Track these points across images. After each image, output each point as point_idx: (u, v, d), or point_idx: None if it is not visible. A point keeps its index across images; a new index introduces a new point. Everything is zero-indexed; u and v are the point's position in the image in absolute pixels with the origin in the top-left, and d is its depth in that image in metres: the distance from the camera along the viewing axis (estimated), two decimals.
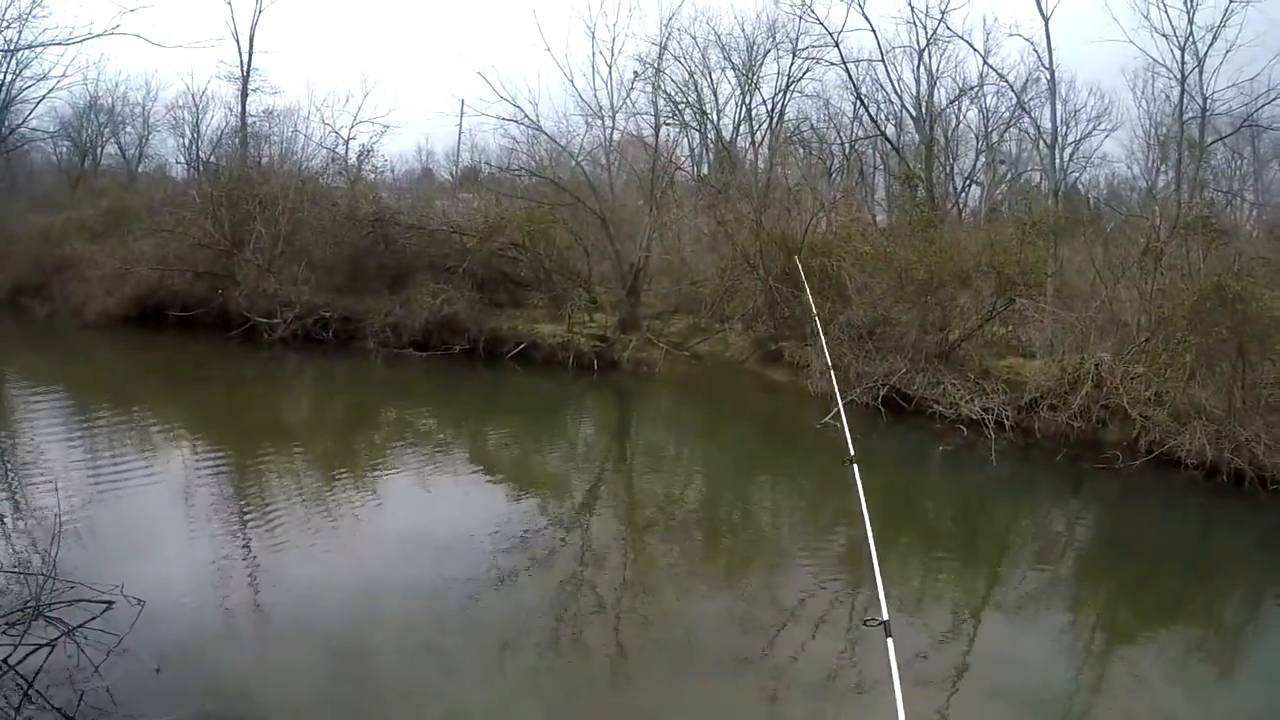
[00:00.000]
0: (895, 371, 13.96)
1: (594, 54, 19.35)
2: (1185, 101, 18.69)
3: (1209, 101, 18.59)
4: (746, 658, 6.60)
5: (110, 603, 5.41)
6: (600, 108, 19.46)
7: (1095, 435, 12.05)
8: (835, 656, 6.70)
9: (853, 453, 4.82)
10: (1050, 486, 11.44)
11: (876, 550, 4.04)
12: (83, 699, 4.95)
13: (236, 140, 23.45)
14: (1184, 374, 11.77)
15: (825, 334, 15.11)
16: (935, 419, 13.05)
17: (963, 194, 24.60)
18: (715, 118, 24.16)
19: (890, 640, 3.63)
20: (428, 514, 8.97)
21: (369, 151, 20.56)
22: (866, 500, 4.43)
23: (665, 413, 15.42)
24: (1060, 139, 20.71)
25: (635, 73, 19.92)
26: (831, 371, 7.19)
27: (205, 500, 8.26)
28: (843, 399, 13.13)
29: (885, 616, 3.68)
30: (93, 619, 5.18)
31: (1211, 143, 19.59)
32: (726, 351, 17.05)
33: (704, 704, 6.04)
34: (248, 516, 8.10)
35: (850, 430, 12.60)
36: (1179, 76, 18.66)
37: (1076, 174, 24.26)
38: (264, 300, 15.36)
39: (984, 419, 12.48)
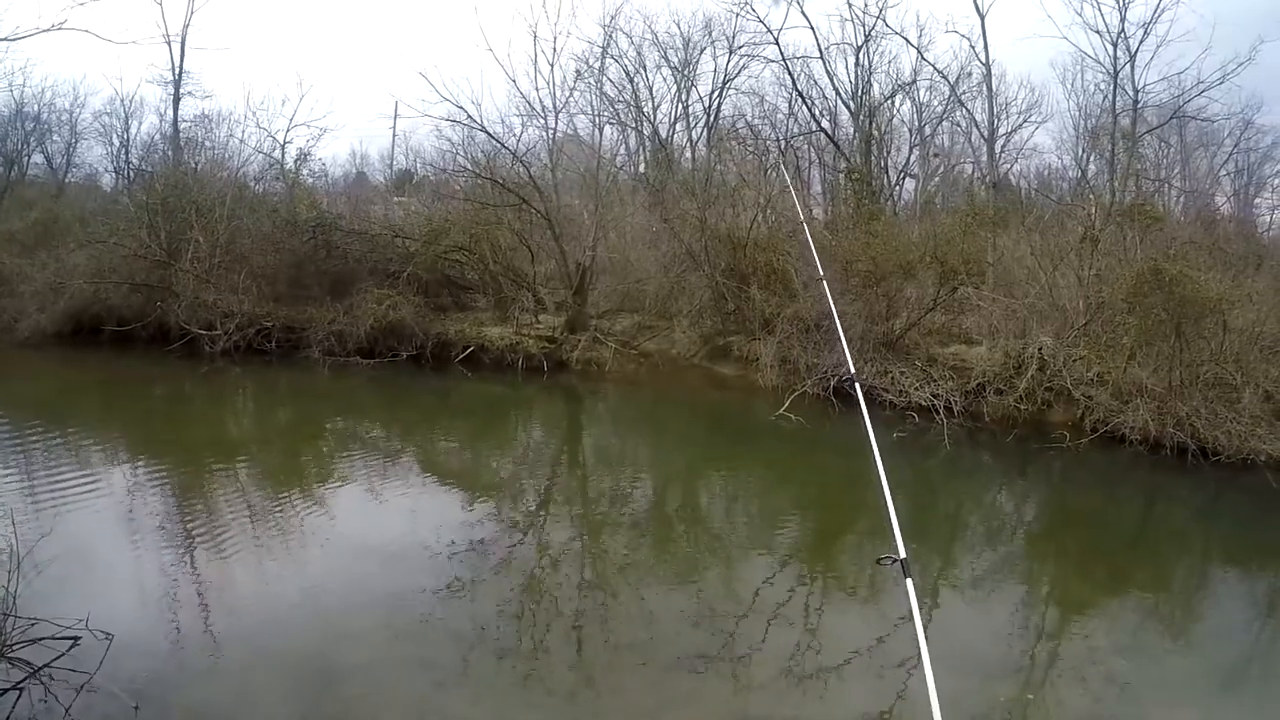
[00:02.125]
0: (844, 362, 14.17)
1: (536, 53, 19.34)
2: (1117, 94, 19.50)
3: (1140, 94, 19.41)
4: (709, 652, 6.65)
5: (76, 638, 5.20)
6: (543, 107, 19.42)
7: (1041, 416, 12.48)
8: (794, 645, 6.84)
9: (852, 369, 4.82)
10: (1000, 467, 11.81)
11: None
12: None
13: (168, 147, 22.74)
14: (1124, 355, 12.25)
15: (770, 330, 15.59)
16: (886, 407, 13.32)
17: (898, 187, 25.15)
18: (652, 116, 24.30)
19: (910, 580, 3.67)
20: (382, 526, 8.83)
21: (306, 155, 20.19)
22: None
23: (615, 411, 15.44)
24: (993, 132, 21.36)
25: (578, 72, 19.92)
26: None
27: (154, 523, 7.99)
28: (793, 391, 13.48)
29: (902, 554, 3.71)
30: (59, 656, 4.97)
31: (1143, 134, 20.42)
32: (674, 349, 17.13)
33: (673, 700, 6.09)
34: (200, 539, 7.85)
35: (803, 421, 12.86)
36: (1111, 71, 19.48)
37: (1009, 165, 25.06)
38: (203, 311, 14.88)
39: (933, 405, 12.81)
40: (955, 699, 6.37)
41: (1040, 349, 12.94)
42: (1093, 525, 9.89)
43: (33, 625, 5.13)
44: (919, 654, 3.28)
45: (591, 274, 18.13)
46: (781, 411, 13.25)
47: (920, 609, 7.65)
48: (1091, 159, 22.97)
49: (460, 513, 9.54)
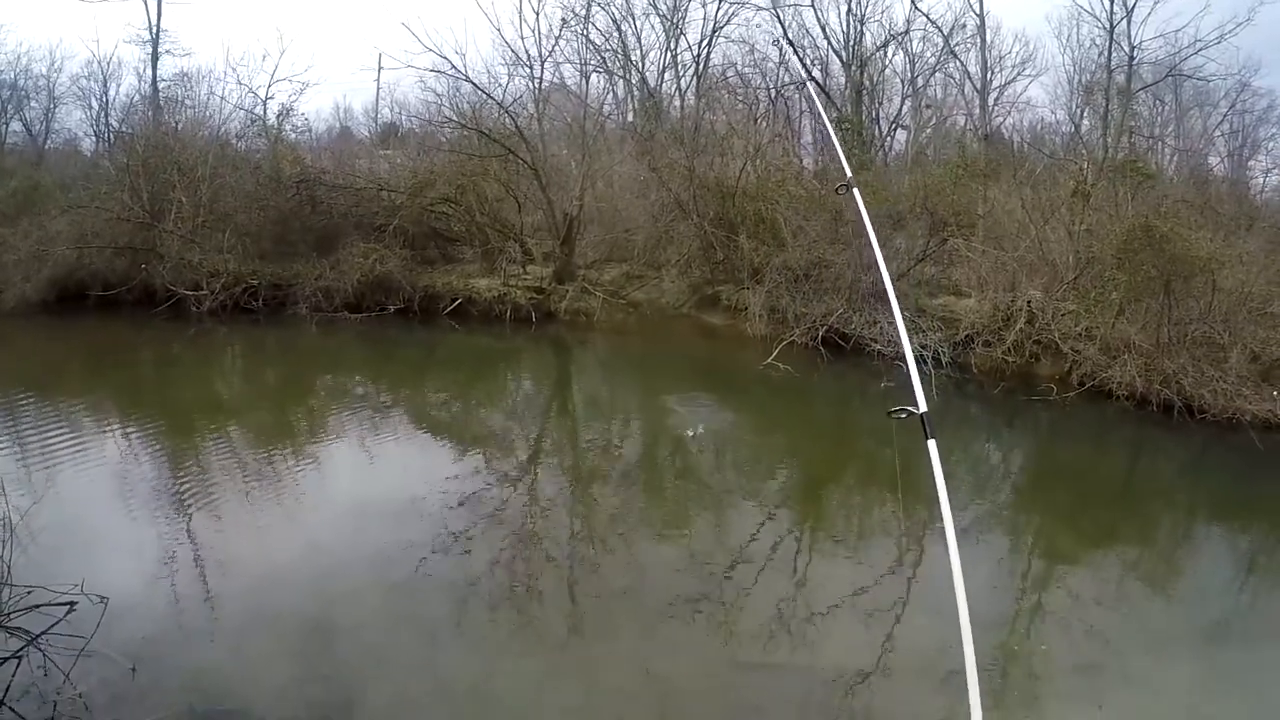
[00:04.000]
0: (833, 312, 14.24)
1: (520, 1, 18.84)
2: (1112, 50, 19.26)
3: (1136, 50, 19.19)
4: (699, 600, 6.78)
5: (73, 603, 5.23)
6: (529, 56, 19.07)
7: (1029, 369, 12.55)
8: (783, 592, 6.99)
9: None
10: (988, 418, 11.90)
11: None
12: (56, 710, 4.82)
13: (148, 107, 22.27)
14: (1113, 311, 12.28)
15: (759, 279, 15.57)
16: (874, 357, 13.36)
17: (889, 138, 24.90)
18: (641, 64, 23.89)
19: (932, 441, 3.39)
20: (374, 481, 8.88)
21: (288, 110, 19.76)
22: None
23: (604, 361, 15.44)
24: (986, 84, 21.13)
25: (564, 20, 19.52)
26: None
27: (147, 487, 8.00)
28: (781, 341, 13.50)
29: (923, 408, 3.41)
30: (56, 623, 4.99)
31: (1138, 90, 20.24)
32: (663, 298, 17.12)
33: (664, 648, 6.24)
34: (194, 501, 7.87)
35: (791, 370, 12.87)
36: (1107, 26, 19.23)
37: (1001, 118, 24.80)
38: (189, 272, 14.70)
39: (922, 355, 12.83)
40: (944, 646, 6.56)
41: (1029, 302, 12.96)
42: (1079, 479, 10.00)
43: (29, 593, 5.15)
44: (942, 524, 3.25)
45: (579, 224, 17.99)
46: (770, 360, 13.30)
47: (906, 559, 7.83)
48: (1085, 114, 22.78)
49: (451, 466, 9.59)
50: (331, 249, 16.13)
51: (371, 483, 8.82)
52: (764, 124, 19.92)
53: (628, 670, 6.05)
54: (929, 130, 25.22)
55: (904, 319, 13.15)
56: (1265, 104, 25.15)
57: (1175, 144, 24.04)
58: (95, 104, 26.78)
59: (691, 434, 8.09)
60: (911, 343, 13.11)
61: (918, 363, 12.56)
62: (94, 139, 26.45)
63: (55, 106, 27.36)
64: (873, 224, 13.72)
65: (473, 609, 6.57)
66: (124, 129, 21.72)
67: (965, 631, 2.81)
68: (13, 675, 4.72)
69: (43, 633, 4.87)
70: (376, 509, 8.04)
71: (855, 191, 4.39)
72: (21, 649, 4.73)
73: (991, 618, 6.88)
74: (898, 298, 14.05)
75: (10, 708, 4.70)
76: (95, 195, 15.50)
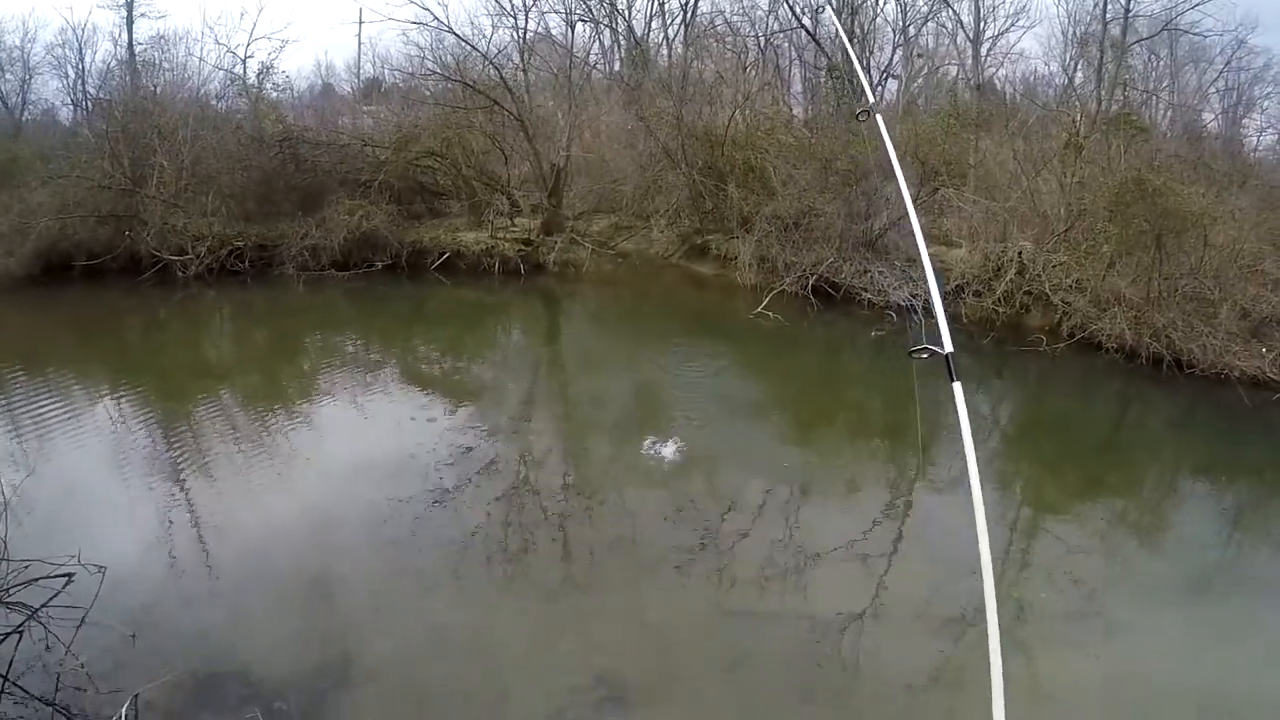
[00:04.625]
0: (823, 261, 14.19)
1: None
2: (1108, 2, 18.91)
3: (1131, 3, 18.86)
4: (691, 549, 6.92)
5: (70, 575, 5.25)
6: (513, 6, 18.66)
7: (1019, 320, 12.57)
8: (774, 540, 7.13)
9: None
10: (977, 369, 11.91)
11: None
12: (60, 682, 4.88)
13: (125, 72, 21.75)
14: (1104, 263, 12.26)
15: (749, 228, 15.48)
16: (864, 306, 13.38)
17: (880, 87, 24.51)
18: (627, 13, 23.39)
19: (957, 384, 3.21)
20: (366, 439, 8.90)
21: (269, 69, 19.37)
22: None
23: (594, 313, 15.40)
24: (979, 34, 20.78)
25: None
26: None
27: (142, 454, 8.00)
28: (771, 290, 13.47)
29: (949, 348, 3.20)
30: (55, 595, 5.02)
31: (1132, 44, 19.92)
32: (651, 248, 17.03)
33: (656, 597, 6.39)
34: (187, 466, 7.89)
35: (781, 319, 12.86)
36: None
37: (994, 69, 24.41)
38: (174, 237, 14.49)
39: (912, 305, 12.81)
40: (937, 586, 6.69)
41: (1020, 253, 12.93)
42: (1067, 430, 10.09)
43: (26, 567, 5.17)
44: (965, 458, 3.04)
45: (566, 175, 17.81)
46: (760, 309, 13.30)
47: (894, 505, 7.94)
48: (1079, 67, 22.43)
49: (443, 420, 9.63)
50: (317, 207, 15.92)
51: (365, 440, 8.84)
52: (753, 73, 19.61)
53: (622, 619, 6.18)
54: (920, 80, 24.86)
55: (897, 268, 13.05)
56: (1261, 62, 24.78)
57: (1169, 99, 23.80)
58: (71, 72, 26.10)
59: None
60: (901, 290, 13.05)
61: (907, 311, 12.53)
62: (72, 108, 25.83)
63: (31, 77, 26.59)
64: (863, 174, 13.60)
65: (468, 562, 6.70)
66: (102, 96, 21.24)
67: (988, 580, 2.77)
68: (14, 650, 4.75)
69: (42, 606, 4.90)
70: (370, 466, 8.09)
71: (878, 118, 4.14)
72: (22, 624, 4.76)
73: (979, 562, 7.02)
74: (886, 249, 13.98)
75: (14, 683, 4.75)
76: (75, 164, 15.19)
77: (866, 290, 13.65)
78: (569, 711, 5.28)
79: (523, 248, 16.87)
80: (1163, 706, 5.38)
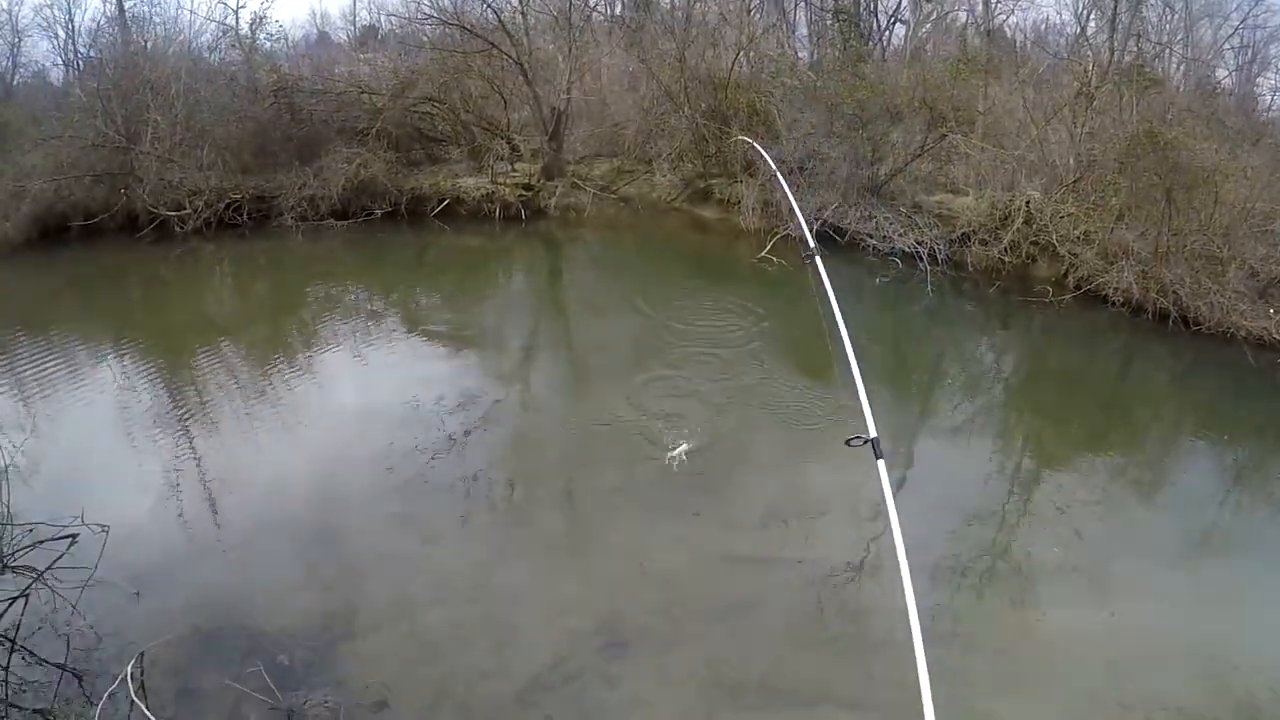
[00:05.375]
0: (828, 205, 13.99)
1: None
2: None
3: None
4: (694, 497, 6.99)
5: (74, 535, 5.30)
6: None
7: (1025, 270, 12.43)
8: (777, 489, 7.22)
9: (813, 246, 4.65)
10: (982, 318, 11.85)
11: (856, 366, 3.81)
12: (69, 643, 4.95)
13: (116, 29, 21.24)
14: (1112, 215, 12.05)
15: (752, 172, 15.26)
16: (870, 252, 13.22)
17: (887, 32, 23.90)
18: None
19: (881, 461, 3.45)
20: (369, 388, 8.90)
21: (261, 19, 18.82)
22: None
23: (596, 257, 15.26)
24: None
25: None
26: None
27: (145, 412, 8.01)
28: (775, 234, 13.33)
29: (873, 434, 3.52)
30: (60, 557, 5.07)
31: None
32: (654, 192, 16.82)
33: (658, 543, 6.44)
34: (190, 421, 7.90)
35: (785, 264, 12.74)
36: None
37: (1005, 16, 23.71)
38: (170, 192, 14.30)
39: (917, 252, 12.70)
40: (925, 540, 6.74)
41: (1028, 202, 12.72)
42: (1070, 382, 10.04)
43: (31, 530, 5.21)
44: (891, 531, 3.24)
45: (567, 119, 17.49)
46: (763, 254, 13.17)
47: (896, 453, 7.94)
48: (1091, 16, 21.80)
49: (446, 368, 9.64)
50: (314, 157, 15.69)
51: (368, 390, 8.84)
52: (757, 15, 19.11)
53: (624, 565, 6.25)
54: (929, 25, 24.22)
55: (899, 215, 12.83)
56: (1278, 20, 24.20)
57: (1183, 53, 23.20)
58: (61, 32, 25.57)
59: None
60: (907, 237, 12.89)
61: (913, 257, 12.40)
62: (63, 68, 25.44)
63: (20, 40, 26.14)
64: (869, 119, 13.23)
65: (471, 509, 6.76)
66: (92, 54, 20.81)
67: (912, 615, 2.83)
68: (21, 614, 4.81)
69: (47, 568, 4.96)
70: (374, 415, 8.11)
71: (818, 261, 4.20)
72: (28, 587, 4.82)
73: (978, 512, 7.10)
74: (893, 195, 13.74)
75: (23, 647, 4.81)
76: (68, 125, 14.90)
77: (871, 237, 13.47)
78: (571, 658, 5.37)
79: (523, 193, 16.67)
80: (1160, 662, 5.42)
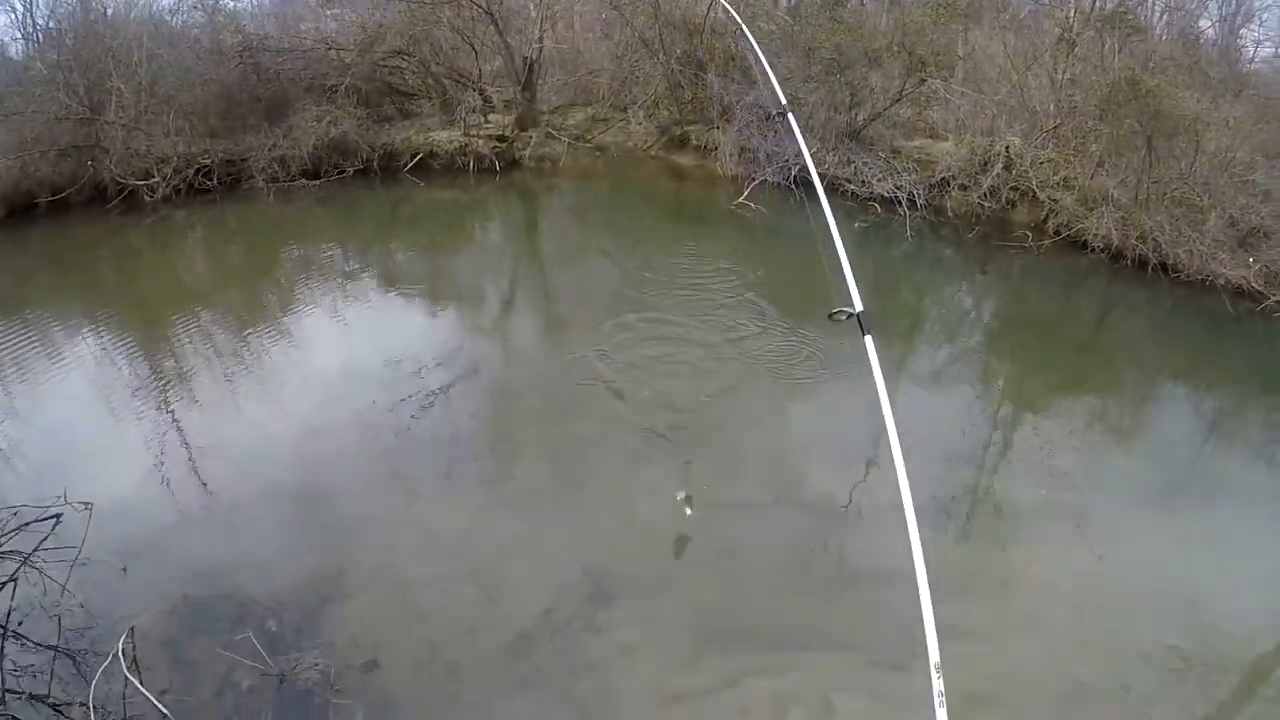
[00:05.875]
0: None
1: None
2: None
3: None
4: (675, 433, 7.15)
5: (58, 515, 5.24)
6: None
7: (1005, 216, 12.42)
8: (757, 431, 7.35)
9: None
10: (961, 262, 11.85)
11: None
12: (61, 624, 4.96)
13: None
14: (1092, 162, 12.04)
15: (729, 118, 15.09)
16: (848, 197, 13.16)
17: None
18: None
19: (868, 337, 3.53)
20: (348, 348, 8.84)
21: None
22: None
23: (572, 207, 15.10)
24: None
25: None
26: None
27: (123, 385, 7.91)
28: (753, 180, 13.24)
29: (859, 307, 3.57)
30: (45, 539, 5.01)
31: None
32: (629, 141, 16.62)
33: (638, 483, 6.62)
34: (170, 391, 7.82)
35: (763, 210, 12.68)
36: None
37: None
38: (138, 161, 13.90)
39: (896, 197, 12.65)
40: (913, 474, 6.80)
41: (1007, 148, 12.65)
42: (1049, 326, 10.12)
43: (15, 514, 5.16)
44: (882, 413, 3.38)
45: (540, 68, 17.14)
46: (741, 200, 13.10)
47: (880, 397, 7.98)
48: None
49: (425, 324, 9.61)
50: (282, 117, 15.29)
51: (347, 350, 8.78)
52: None
53: (608, 514, 6.36)
54: None
55: (878, 160, 12.73)
56: None
57: (1166, 1, 22.94)
58: (19, 5, 24.79)
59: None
60: (885, 182, 12.85)
61: (892, 203, 12.38)
62: (22, 42, 24.62)
63: None
64: (847, 64, 13.10)
65: (455, 465, 6.83)
66: (51, 25, 20.11)
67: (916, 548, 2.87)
68: (12, 599, 4.79)
69: (34, 551, 4.91)
70: (354, 375, 8.09)
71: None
72: (15, 571, 4.78)
73: (960, 453, 7.24)
74: (871, 140, 13.63)
75: (16, 633, 4.81)
76: (30, 100, 14.35)
77: (850, 181, 13.40)
78: (558, 609, 5.46)
79: (497, 144, 16.40)
80: (1133, 604, 5.56)
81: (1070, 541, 6.21)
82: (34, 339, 8.59)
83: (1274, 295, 9.76)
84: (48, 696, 4.58)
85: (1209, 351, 9.55)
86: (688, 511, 6.24)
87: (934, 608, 5.40)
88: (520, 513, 6.39)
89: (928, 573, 5.70)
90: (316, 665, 4.93)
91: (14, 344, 8.35)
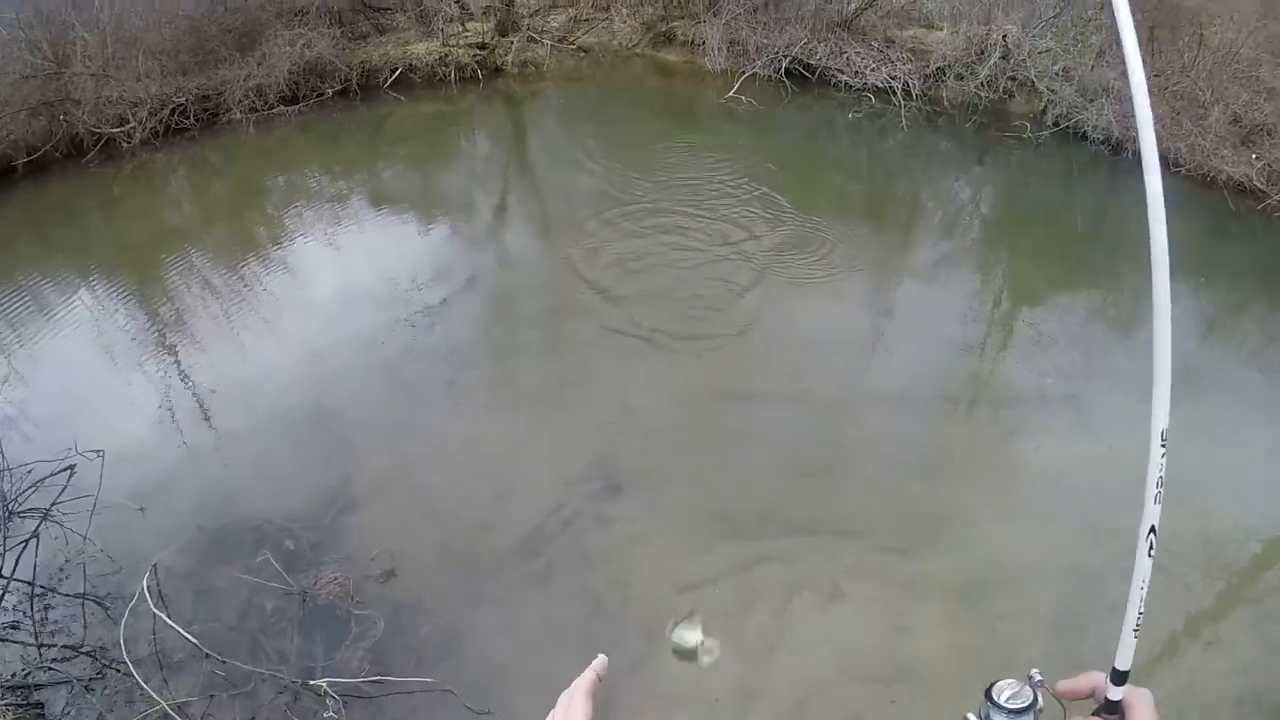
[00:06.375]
0: (796, 42, 13.45)
1: None
2: None
3: None
4: (676, 332, 7.26)
5: (72, 466, 5.34)
6: None
7: (1002, 106, 12.05)
8: (759, 322, 7.45)
9: None
10: (958, 153, 11.61)
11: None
12: (85, 571, 5.09)
13: None
14: (1092, 53, 11.59)
15: (716, 11, 14.64)
16: (841, 89, 12.82)
17: None
18: None
19: None
20: (343, 271, 8.83)
21: None
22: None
23: (559, 110, 14.74)
24: None
25: None
26: None
27: (122, 333, 7.89)
28: (742, 74, 12.90)
29: None
30: (62, 491, 5.10)
31: None
32: (614, 40, 16.13)
33: (639, 380, 6.74)
34: (169, 334, 7.81)
35: (754, 103, 12.49)
36: None
37: None
38: (111, 109, 13.43)
39: (890, 87, 12.30)
40: (917, 364, 6.92)
41: (1005, 37, 12.16)
42: (1048, 219, 9.95)
43: (29, 471, 5.25)
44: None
45: None
46: (731, 94, 12.81)
47: (884, 287, 8.05)
48: None
49: (419, 240, 9.58)
50: (255, 45, 14.77)
51: (343, 273, 8.76)
52: None
53: (613, 409, 6.49)
54: None
55: (871, 50, 12.33)
56: None
57: None
58: None
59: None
60: (879, 72, 12.48)
61: (886, 93, 12.04)
62: None
63: None
64: None
65: (458, 373, 6.96)
66: None
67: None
68: (36, 555, 4.90)
69: (52, 504, 5.01)
70: (352, 296, 8.13)
71: None
72: (37, 527, 4.88)
73: (962, 343, 7.32)
74: (863, 30, 13.21)
75: (43, 587, 4.94)
76: None
77: (843, 72, 13.02)
78: (567, 504, 5.63)
79: (478, 52, 15.93)
80: (1133, 492, 5.67)
81: (1062, 429, 6.32)
82: (27, 301, 8.56)
83: (1276, 193, 9.56)
84: (82, 645, 4.74)
85: (1209, 247, 9.37)
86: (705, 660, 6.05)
87: (945, 496, 5.54)
88: (525, 414, 6.50)
89: (937, 462, 5.81)
90: (336, 579, 5.11)
91: (6, 311, 8.34)
